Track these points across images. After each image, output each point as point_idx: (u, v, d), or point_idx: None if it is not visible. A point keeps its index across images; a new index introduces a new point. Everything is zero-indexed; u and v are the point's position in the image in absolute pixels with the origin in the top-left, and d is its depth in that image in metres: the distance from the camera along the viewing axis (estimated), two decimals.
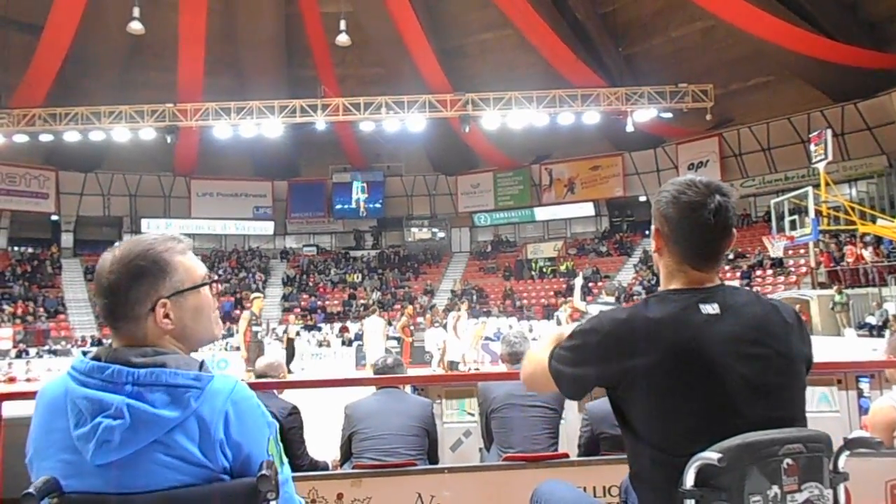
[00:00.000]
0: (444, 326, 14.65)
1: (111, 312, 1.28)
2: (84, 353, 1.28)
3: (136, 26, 19.52)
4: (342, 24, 20.75)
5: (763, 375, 1.44)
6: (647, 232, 28.88)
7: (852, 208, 12.37)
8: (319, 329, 24.24)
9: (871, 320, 15.92)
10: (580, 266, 26.34)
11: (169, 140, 23.00)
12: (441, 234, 31.88)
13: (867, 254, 18.61)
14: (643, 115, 22.26)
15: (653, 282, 24.54)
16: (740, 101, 23.90)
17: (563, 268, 27.84)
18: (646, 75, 23.38)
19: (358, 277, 29.25)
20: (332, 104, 22.76)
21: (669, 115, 22.53)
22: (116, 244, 1.33)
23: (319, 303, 27.01)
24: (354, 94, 23.21)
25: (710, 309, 1.47)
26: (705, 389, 1.42)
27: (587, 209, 29.80)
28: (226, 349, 21.47)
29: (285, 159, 28.69)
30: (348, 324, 24.56)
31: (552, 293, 26.38)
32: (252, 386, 1.35)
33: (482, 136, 25.43)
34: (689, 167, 26.65)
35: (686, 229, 1.53)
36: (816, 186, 12.61)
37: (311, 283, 28.73)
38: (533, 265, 29.01)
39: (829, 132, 12.53)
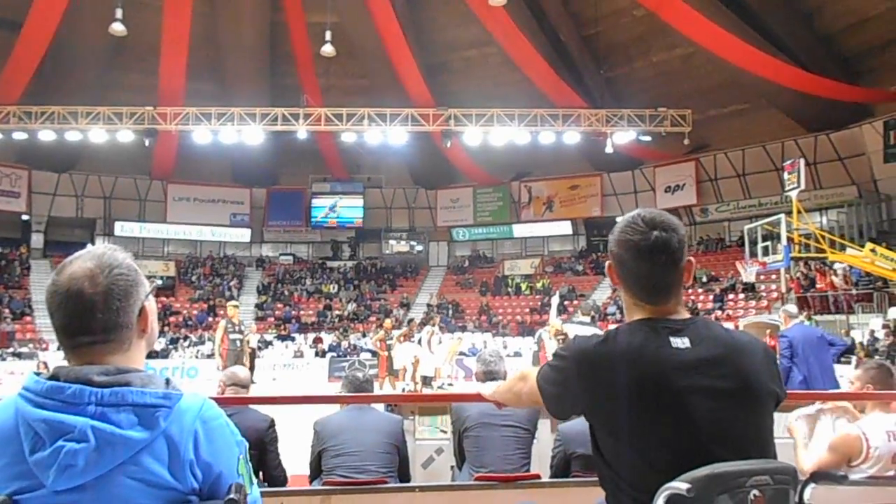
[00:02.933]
0: (419, 341, 14.60)
1: (101, 328, 1.21)
2: (37, 374, 1.20)
3: (117, 27, 19.30)
4: (328, 35, 20.76)
5: (730, 410, 1.45)
6: None
7: (823, 237, 12.62)
8: (293, 339, 24.01)
9: None
10: (556, 284, 26.47)
11: (147, 143, 22.73)
12: (419, 248, 31.88)
13: (838, 281, 19.01)
14: (622, 136, 22.55)
15: None
16: (717, 127, 24.35)
17: (539, 285, 27.97)
18: (626, 98, 23.74)
19: (334, 288, 29.08)
20: (314, 114, 22.72)
21: (648, 137, 22.84)
22: (71, 260, 1.26)
23: (294, 312, 26.78)
24: (337, 105, 23.20)
25: (681, 343, 1.49)
26: (672, 422, 1.44)
27: (565, 228, 30.03)
28: (196, 357, 21.18)
29: (265, 167, 28.54)
30: (322, 334, 24.38)
31: (528, 310, 26.47)
32: (220, 402, 1.32)
33: (463, 152, 25.55)
34: (665, 190, 27.05)
35: (632, 268, 1.57)
36: (789, 213, 12.90)
37: (285, 293, 28.49)
38: (510, 282, 29.12)
39: (802, 161, 12.80)
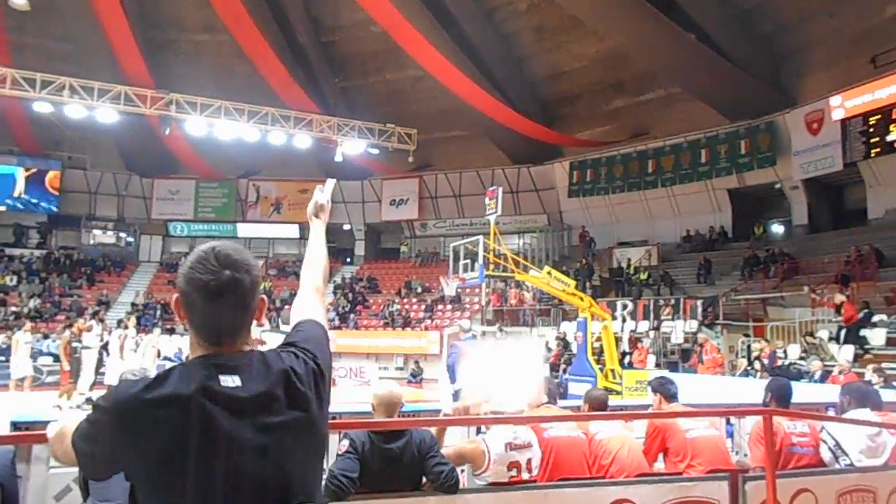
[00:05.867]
0: (106, 346, 13.07)
1: None
2: None
3: None
4: None
5: (282, 444, 1.41)
6: (347, 259, 29.74)
7: (512, 258, 14.23)
8: None
9: None
10: (279, 287, 25.94)
11: None
12: (129, 240, 28.79)
13: (528, 296, 21.69)
14: (352, 146, 22.97)
15: (347, 308, 25.25)
16: (440, 149, 26.19)
17: (261, 288, 27.07)
18: (358, 109, 24.31)
19: (12, 280, 24.77)
20: None
21: (376, 151, 23.62)
22: None
23: None
24: (31, 68, 19.87)
25: (231, 381, 1.40)
26: (223, 469, 1.35)
27: (292, 231, 29.61)
28: None
29: None
30: None
31: None
32: None
33: (185, 142, 23.72)
34: (391, 203, 28.29)
35: (199, 308, 1.45)
36: (488, 235, 14.37)
37: None
38: None
39: (500, 190, 14.25)
